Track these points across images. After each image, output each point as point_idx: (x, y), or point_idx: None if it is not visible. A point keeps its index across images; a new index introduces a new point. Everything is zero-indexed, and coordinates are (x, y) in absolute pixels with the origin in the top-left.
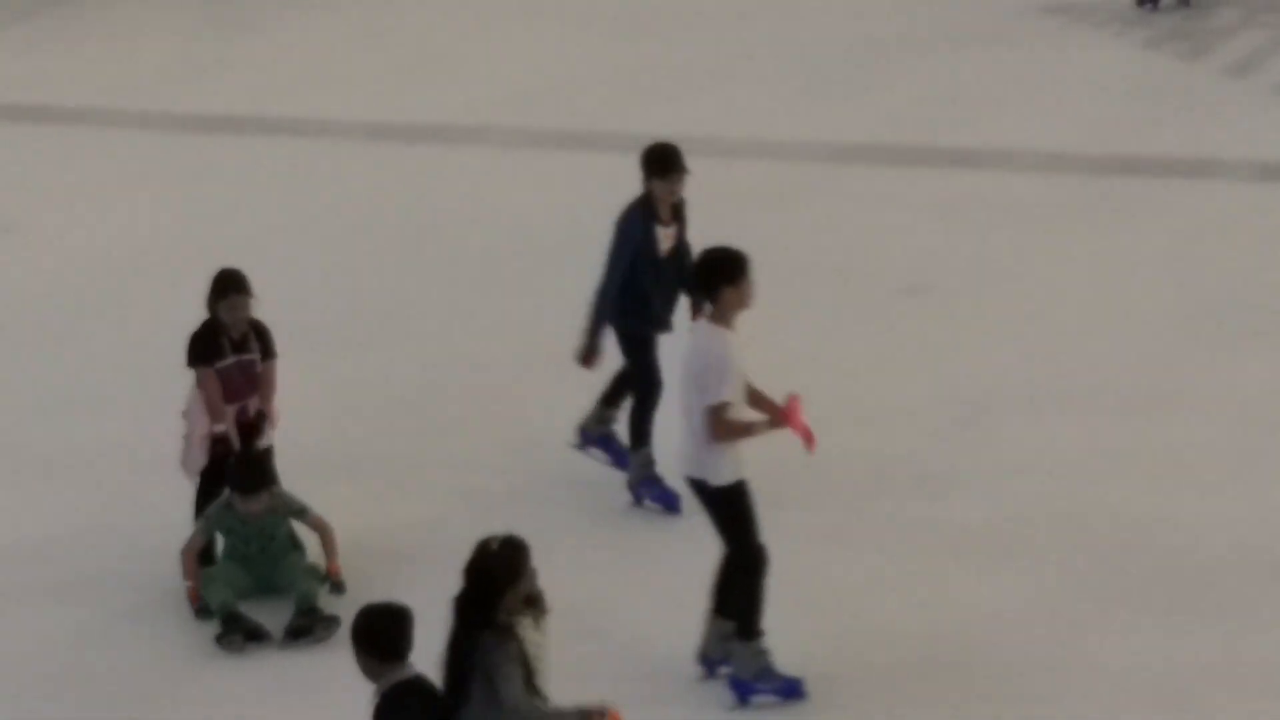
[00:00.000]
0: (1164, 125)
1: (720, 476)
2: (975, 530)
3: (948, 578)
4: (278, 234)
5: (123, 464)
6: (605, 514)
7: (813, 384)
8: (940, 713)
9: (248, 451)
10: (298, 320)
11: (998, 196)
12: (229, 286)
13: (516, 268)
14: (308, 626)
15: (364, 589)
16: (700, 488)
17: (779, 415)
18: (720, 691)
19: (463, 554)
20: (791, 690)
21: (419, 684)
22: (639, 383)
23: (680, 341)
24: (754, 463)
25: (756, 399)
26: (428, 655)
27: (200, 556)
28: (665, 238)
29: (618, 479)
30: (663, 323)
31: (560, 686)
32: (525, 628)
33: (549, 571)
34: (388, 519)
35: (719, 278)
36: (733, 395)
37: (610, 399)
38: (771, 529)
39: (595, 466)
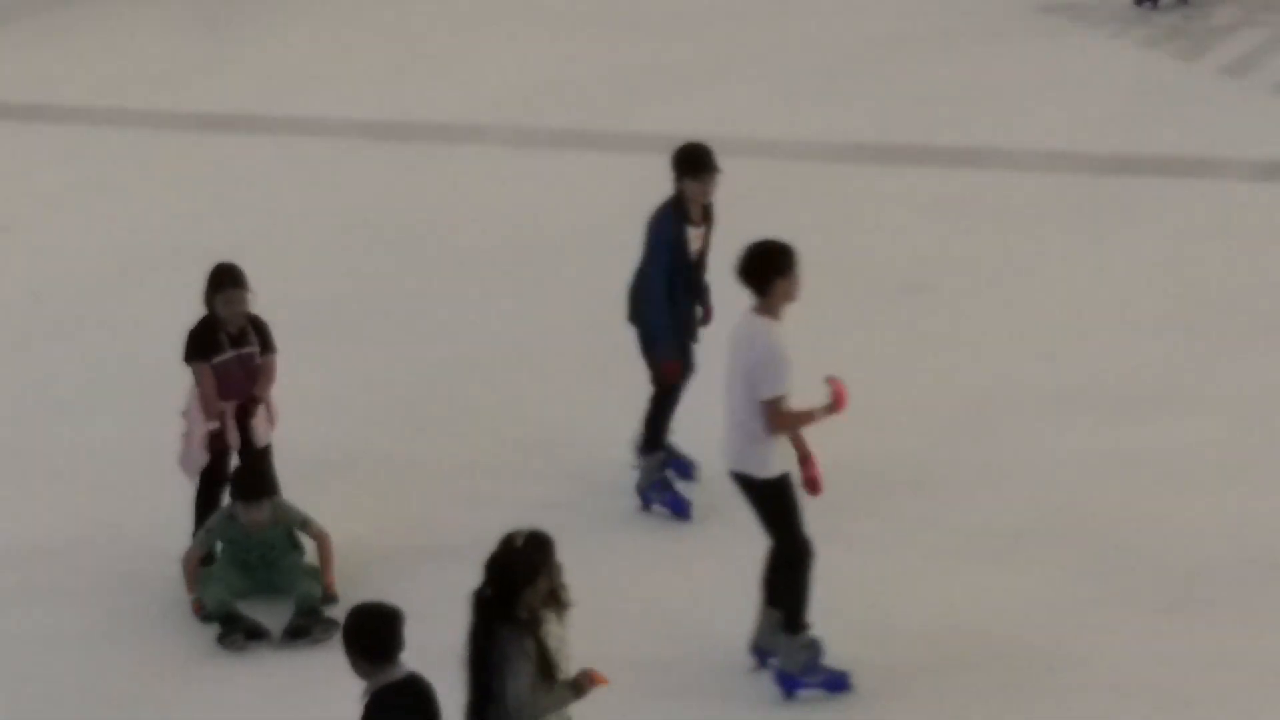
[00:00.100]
0: (1163, 124)
1: (766, 470)
2: (975, 529)
3: (947, 577)
4: (276, 233)
5: (122, 464)
6: (605, 515)
7: (812, 384)
8: (940, 713)
9: (249, 453)
10: (296, 319)
11: (997, 196)
12: (225, 281)
13: (515, 267)
14: (306, 628)
15: (361, 588)
16: (746, 482)
17: (831, 397)
18: (766, 683)
19: (460, 553)
20: (838, 684)
21: (410, 684)
22: (658, 387)
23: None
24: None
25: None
26: (426, 654)
27: (200, 559)
28: (695, 239)
29: (613, 479)
30: (689, 328)
31: (609, 672)
32: (547, 622)
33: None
34: (386, 518)
35: (772, 269)
36: (789, 387)
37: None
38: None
39: (594, 466)
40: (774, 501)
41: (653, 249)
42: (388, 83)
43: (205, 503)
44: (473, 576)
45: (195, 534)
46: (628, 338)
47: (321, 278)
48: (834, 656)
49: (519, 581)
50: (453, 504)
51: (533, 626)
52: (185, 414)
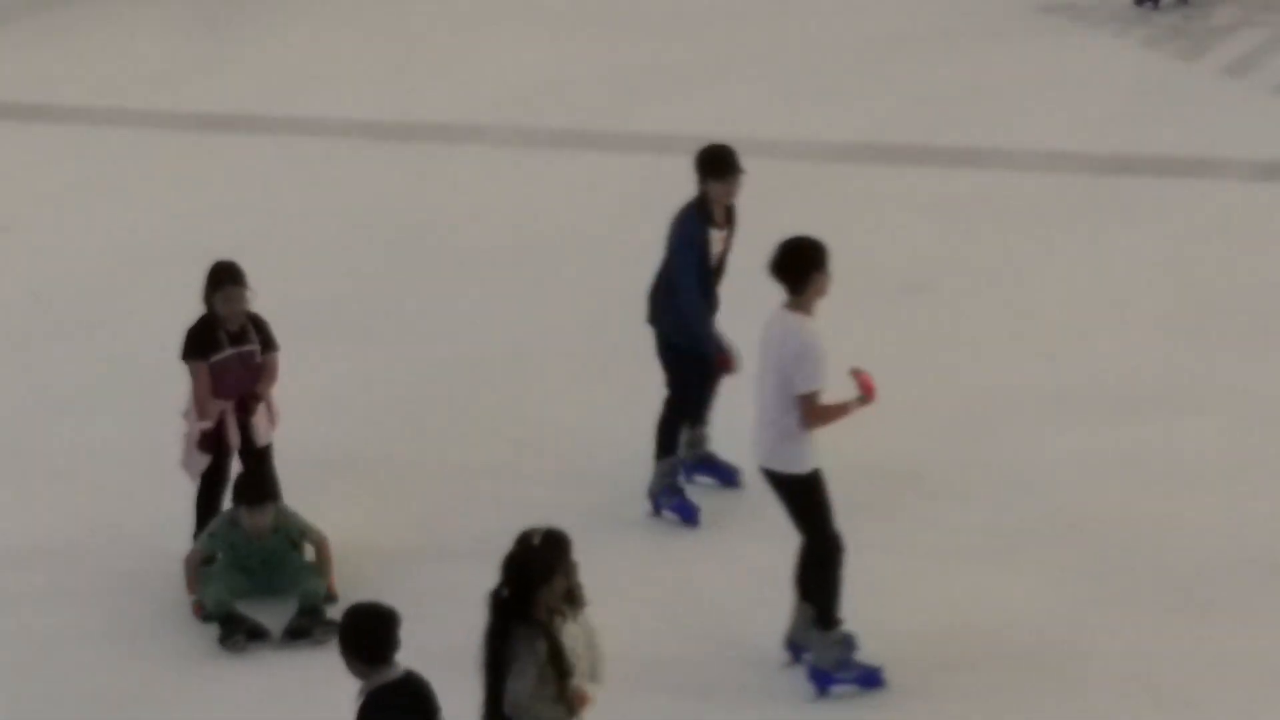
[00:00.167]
0: (1163, 124)
1: (799, 465)
2: (975, 530)
3: (947, 577)
4: (275, 232)
5: (122, 464)
6: (606, 514)
7: (742, 379)
8: (940, 713)
9: (250, 453)
10: (296, 318)
11: (997, 196)
12: (224, 278)
13: (515, 267)
14: (307, 629)
15: (360, 588)
16: (777, 479)
17: (860, 390)
18: (799, 679)
19: (460, 554)
20: (871, 679)
21: (406, 684)
22: (674, 391)
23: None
24: (750, 467)
25: None
26: (426, 655)
27: (201, 562)
28: (717, 241)
29: (613, 479)
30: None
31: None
32: (562, 622)
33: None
34: (386, 518)
35: (811, 264)
36: (825, 381)
37: (694, 420)
38: (769, 530)
39: (593, 467)
40: (806, 497)
41: (676, 250)
42: (388, 83)
43: (206, 504)
44: (472, 577)
45: (196, 536)
46: (627, 338)
47: (321, 278)
48: (761, 669)
49: (535, 581)
50: (452, 504)
51: (548, 627)
52: (186, 415)
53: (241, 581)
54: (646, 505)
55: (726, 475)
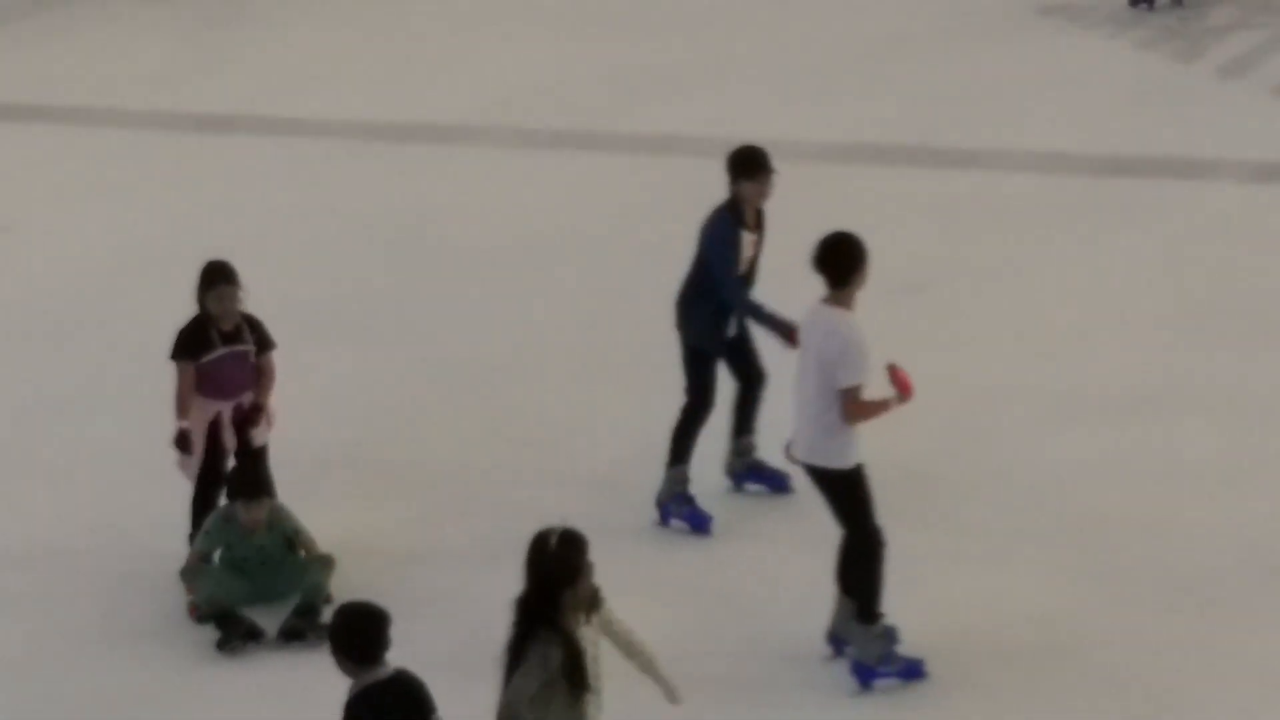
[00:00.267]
0: (1160, 125)
1: (843, 460)
2: (975, 530)
3: (947, 577)
4: (273, 233)
5: (120, 464)
6: (607, 514)
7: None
8: (939, 713)
9: (245, 453)
10: (295, 319)
11: (994, 197)
12: (216, 277)
13: (515, 267)
14: (301, 631)
15: (358, 589)
16: (819, 474)
17: (896, 386)
18: (842, 673)
19: (458, 554)
20: (913, 672)
21: (395, 682)
22: (693, 398)
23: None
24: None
25: None
26: (424, 656)
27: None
28: (749, 245)
29: (613, 480)
30: (722, 337)
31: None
32: (581, 625)
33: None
34: (384, 518)
35: (855, 258)
36: (867, 376)
37: (739, 429)
38: (768, 531)
39: (592, 467)
40: (849, 492)
41: (711, 248)
42: (387, 83)
43: (202, 507)
44: (471, 578)
45: (191, 538)
46: (627, 338)
47: (321, 278)
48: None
49: (560, 583)
50: (451, 504)
51: (570, 634)
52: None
53: (239, 586)
54: (654, 515)
55: (777, 482)
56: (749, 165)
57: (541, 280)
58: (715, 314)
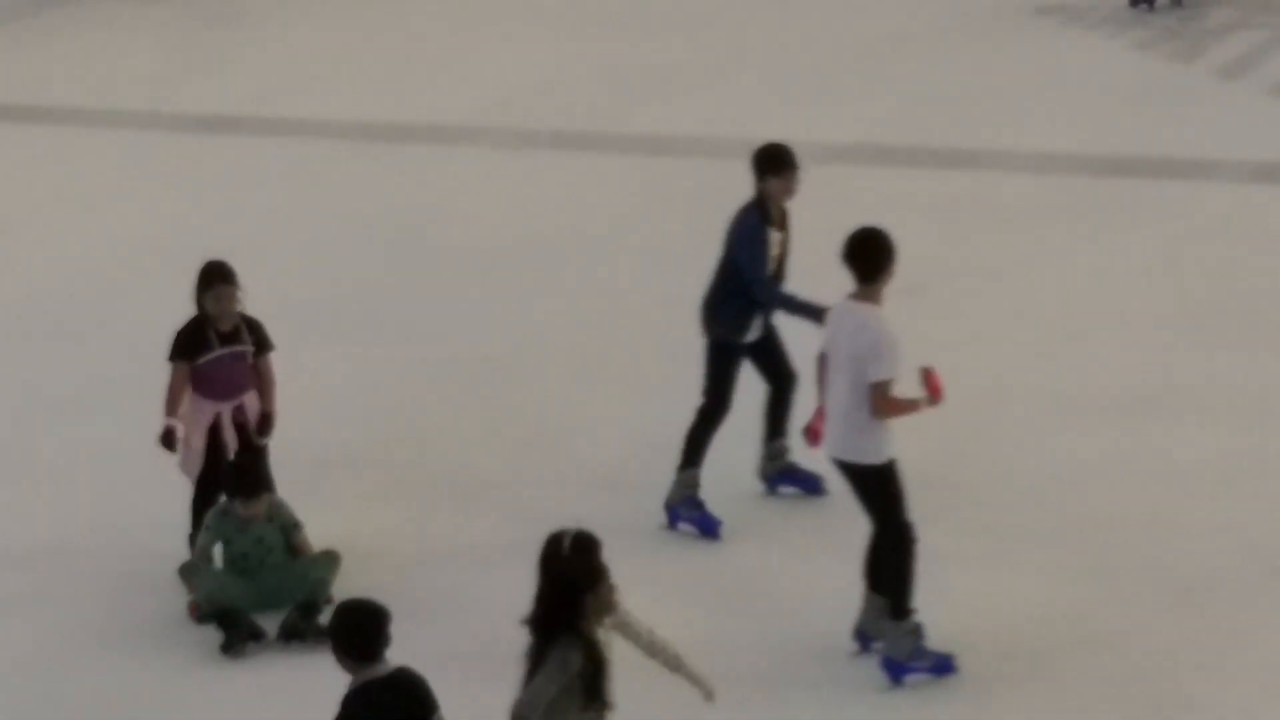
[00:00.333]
0: (1159, 126)
1: (876, 456)
2: (975, 530)
3: (946, 579)
4: (273, 233)
5: (120, 465)
6: (606, 516)
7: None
8: (938, 712)
9: (243, 454)
10: (295, 319)
11: (993, 197)
12: (215, 278)
13: (514, 268)
14: (301, 631)
15: (358, 589)
16: (852, 470)
17: (928, 389)
18: (872, 669)
19: (457, 555)
20: (945, 666)
21: (395, 680)
22: (711, 398)
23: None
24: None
25: None
26: (420, 656)
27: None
28: (775, 243)
29: (614, 481)
30: (757, 337)
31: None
32: (599, 630)
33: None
34: (383, 518)
35: (884, 255)
36: (899, 371)
37: (772, 433)
38: (767, 531)
39: (592, 467)
40: (882, 488)
41: (741, 246)
42: (386, 84)
43: (203, 507)
44: (470, 579)
45: (191, 539)
46: (626, 338)
47: (320, 278)
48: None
49: (582, 588)
50: (451, 504)
51: (591, 640)
52: (181, 418)
53: (240, 587)
54: (657, 515)
55: (810, 484)
56: (775, 162)
57: (542, 280)
58: (743, 312)
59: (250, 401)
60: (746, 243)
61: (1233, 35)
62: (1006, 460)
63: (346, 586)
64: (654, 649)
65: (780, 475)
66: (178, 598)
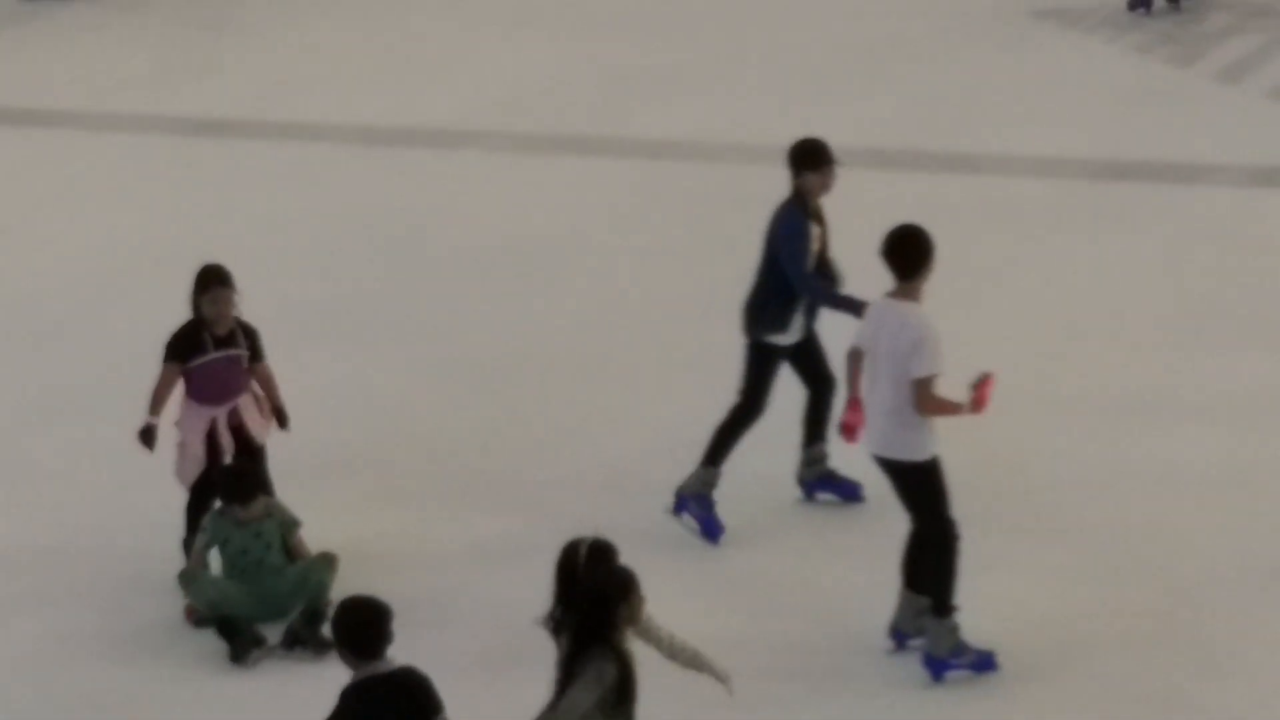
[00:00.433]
0: (1157, 129)
1: (919, 453)
2: (972, 531)
3: None
4: (273, 236)
5: (115, 469)
6: (607, 516)
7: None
8: (937, 713)
9: (239, 458)
10: (294, 321)
11: (991, 201)
12: (211, 280)
13: (513, 270)
14: (304, 639)
15: (356, 590)
16: (894, 467)
17: (975, 395)
18: (910, 666)
19: (456, 556)
20: (986, 664)
21: (396, 679)
22: (747, 398)
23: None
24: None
25: None
26: (419, 657)
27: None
28: (815, 238)
29: (613, 481)
30: (798, 340)
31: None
32: (628, 640)
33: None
34: (383, 519)
35: (924, 252)
36: (942, 367)
37: (810, 438)
38: (767, 532)
39: (592, 469)
40: (925, 485)
41: (785, 241)
42: (386, 86)
43: (196, 513)
44: (470, 581)
45: (185, 544)
46: (626, 340)
47: (319, 280)
48: (831, 661)
49: (615, 599)
50: (451, 505)
51: (621, 650)
52: (178, 424)
53: (240, 595)
54: (659, 516)
55: (849, 491)
56: (813, 157)
57: (541, 282)
58: (784, 311)
59: (246, 405)
60: (792, 238)
61: (1231, 39)
62: (1005, 462)
63: (346, 588)
64: (674, 650)
65: (818, 481)
66: (176, 600)
